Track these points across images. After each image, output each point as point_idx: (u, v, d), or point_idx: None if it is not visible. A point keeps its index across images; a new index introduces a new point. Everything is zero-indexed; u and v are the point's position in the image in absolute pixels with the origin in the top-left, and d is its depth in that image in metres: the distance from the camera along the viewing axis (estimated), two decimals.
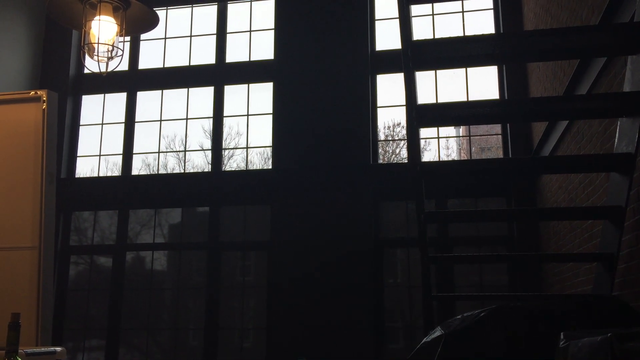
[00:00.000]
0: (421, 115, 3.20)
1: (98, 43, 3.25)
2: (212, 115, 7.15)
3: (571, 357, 1.79)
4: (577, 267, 4.41)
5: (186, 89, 7.31)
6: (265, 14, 7.34)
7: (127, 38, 7.21)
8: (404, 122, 7.17)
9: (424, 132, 6.79)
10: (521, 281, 6.03)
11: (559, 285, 5.06)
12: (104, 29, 3.29)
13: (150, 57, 7.53)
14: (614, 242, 3.13)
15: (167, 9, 7.53)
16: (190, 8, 7.50)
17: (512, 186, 6.26)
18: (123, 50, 3.45)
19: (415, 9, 6.78)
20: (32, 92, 3.68)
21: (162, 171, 7.27)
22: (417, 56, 3.10)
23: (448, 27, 6.90)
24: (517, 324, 2.63)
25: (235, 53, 7.32)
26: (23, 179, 3.58)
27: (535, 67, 5.88)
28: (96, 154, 7.37)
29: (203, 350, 6.54)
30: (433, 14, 6.89)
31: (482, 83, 6.76)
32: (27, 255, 3.47)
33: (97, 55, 3.30)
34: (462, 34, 6.42)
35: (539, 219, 5.69)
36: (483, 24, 6.83)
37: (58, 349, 3.17)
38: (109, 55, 3.34)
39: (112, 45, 3.32)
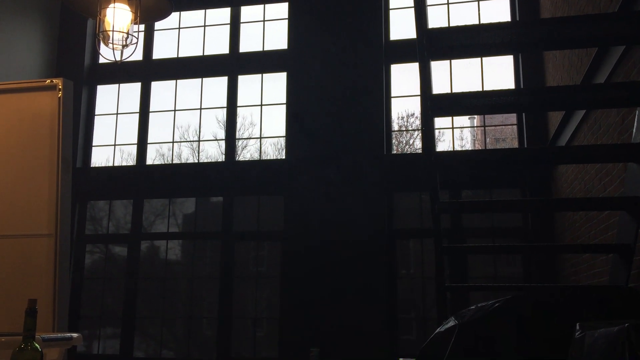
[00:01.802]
0: (436, 105, 3.17)
1: (113, 31, 3.25)
2: (225, 106, 7.16)
3: (587, 347, 1.77)
4: (593, 258, 4.37)
5: (200, 79, 7.32)
6: (279, 3, 7.30)
7: (142, 27, 7.23)
8: (417, 113, 7.13)
9: (438, 122, 6.75)
10: (536, 273, 6.00)
11: (575, 276, 5.02)
12: (118, 16, 3.29)
13: (164, 47, 7.55)
14: (631, 233, 3.09)
15: (180, 13, 7.52)
16: (204, 11, 7.48)
17: (527, 177, 6.20)
18: (138, 38, 3.45)
19: None
20: (48, 81, 3.70)
21: (176, 161, 7.30)
22: (433, 45, 3.06)
23: (463, 16, 6.83)
24: (531, 315, 2.61)
25: (249, 43, 7.31)
26: (39, 166, 3.61)
27: (551, 55, 5.81)
28: (111, 143, 7.42)
29: (217, 339, 6.59)
30: (448, 3, 6.83)
31: (498, 72, 6.70)
32: (44, 242, 3.51)
33: (112, 43, 3.31)
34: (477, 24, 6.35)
35: (554, 209, 5.64)
36: (499, 12, 6.76)
37: (74, 335, 3.20)
38: (124, 43, 3.34)
39: (127, 33, 3.32)
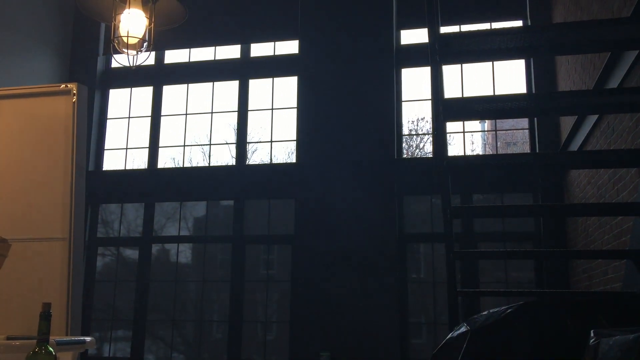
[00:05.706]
0: (448, 110, 3.17)
1: (128, 36, 3.28)
2: (236, 109, 7.18)
3: (602, 355, 1.76)
4: (606, 264, 4.34)
5: (211, 83, 7.35)
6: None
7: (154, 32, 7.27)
8: (428, 117, 7.11)
9: (449, 126, 6.73)
10: (548, 278, 5.96)
11: (587, 282, 4.98)
12: (133, 22, 3.32)
13: (176, 51, 7.59)
14: None
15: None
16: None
17: (539, 182, 6.17)
18: (152, 44, 3.48)
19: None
20: (63, 86, 3.74)
21: (187, 165, 7.33)
22: (445, 50, 3.06)
23: (474, 25, 6.80)
24: (544, 321, 2.60)
25: (260, 47, 7.33)
26: (54, 170, 3.64)
27: (564, 60, 5.78)
28: (123, 147, 7.46)
29: (227, 343, 6.60)
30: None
31: (509, 76, 6.67)
32: (58, 246, 3.53)
33: (127, 49, 3.33)
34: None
35: (566, 214, 5.60)
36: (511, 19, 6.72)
37: (88, 338, 3.22)
38: (139, 49, 3.36)
39: (142, 39, 3.35)
